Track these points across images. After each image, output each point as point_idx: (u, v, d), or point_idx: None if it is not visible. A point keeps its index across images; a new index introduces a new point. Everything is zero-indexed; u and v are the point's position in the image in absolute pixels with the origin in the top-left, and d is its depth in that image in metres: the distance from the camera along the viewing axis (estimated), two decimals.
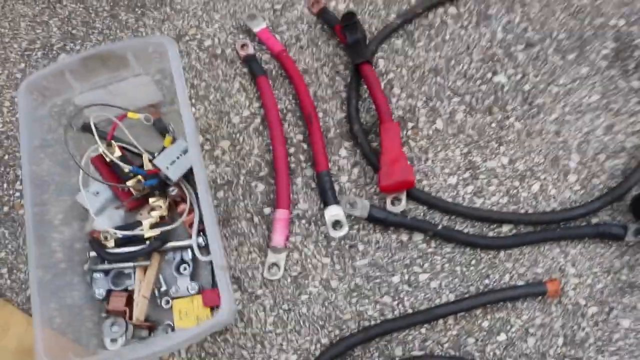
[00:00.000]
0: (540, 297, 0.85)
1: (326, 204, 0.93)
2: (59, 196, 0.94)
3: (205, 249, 0.91)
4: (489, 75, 1.00)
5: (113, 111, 0.97)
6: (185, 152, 0.93)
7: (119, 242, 0.93)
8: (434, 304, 0.87)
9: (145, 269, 0.92)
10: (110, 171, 0.96)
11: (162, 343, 0.77)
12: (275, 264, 0.91)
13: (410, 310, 0.87)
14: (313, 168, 0.96)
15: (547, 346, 0.83)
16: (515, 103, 0.98)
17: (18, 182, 1.03)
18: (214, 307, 0.88)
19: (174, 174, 0.91)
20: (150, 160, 0.94)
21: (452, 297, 0.87)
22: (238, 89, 1.04)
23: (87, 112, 0.99)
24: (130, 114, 0.97)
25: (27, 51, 1.13)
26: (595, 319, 0.84)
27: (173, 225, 0.91)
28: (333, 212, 0.91)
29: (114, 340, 0.90)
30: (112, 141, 0.95)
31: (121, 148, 0.96)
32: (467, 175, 0.94)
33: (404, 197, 0.91)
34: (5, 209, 1.01)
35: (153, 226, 0.93)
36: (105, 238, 0.93)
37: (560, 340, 0.83)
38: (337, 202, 0.92)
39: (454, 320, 0.86)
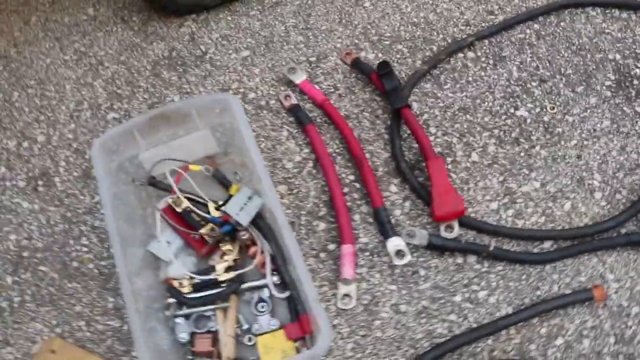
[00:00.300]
0: (587, 303, 0.97)
1: (386, 236, 1.02)
2: (127, 249, 0.99)
3: (279, 286, 0.98)
4: (512, 110, 1.13)
5: (174, 164, 1.04)
6: (250, 198, 1.00)
7: (196, 287, 0.99)
8: (494, 317, 0.97)
9: (224, 310, 0.98)
10: (180, 221, 1.02)
11: None
12: (347, 295, 0.99)
13: (475, 325, 0.97)
14: (368, 205, 1.06)
15: (601, 346, 0.94)
16: (538, 133, 1.11)
17: (84, 238, 1.07)
18: (297, 339, 0.95)
19: (244, 219, 0.99)
20: (216, 208, 1.01)
21: (510, 310, 0.97)
22: (287, 137, 1.13)
23: (148, 165, 1.06)
24: (192, 166, 1.04)
25: (75, 112, 1.18)
26: (639, 318, 0.96)
27: (248, 268, 0.98)
28: (395, 243, 1.01)
29: None
30: (180, 192, 1.02)
31: (188, 198, 1.03)
32: (506, 200, 1.05)
33: (456, 224, 1.02)
34: (75, 264, 1.05)
35: (227, 270, 0.99)
36: (180, 284, 0.99)
37: (612, 339, 0.94)
38: (396, 234, 1.02)
39: (515, 330, 0.96)
